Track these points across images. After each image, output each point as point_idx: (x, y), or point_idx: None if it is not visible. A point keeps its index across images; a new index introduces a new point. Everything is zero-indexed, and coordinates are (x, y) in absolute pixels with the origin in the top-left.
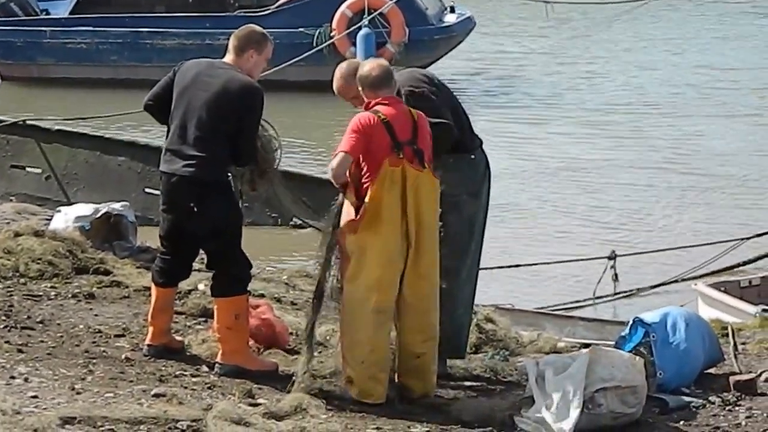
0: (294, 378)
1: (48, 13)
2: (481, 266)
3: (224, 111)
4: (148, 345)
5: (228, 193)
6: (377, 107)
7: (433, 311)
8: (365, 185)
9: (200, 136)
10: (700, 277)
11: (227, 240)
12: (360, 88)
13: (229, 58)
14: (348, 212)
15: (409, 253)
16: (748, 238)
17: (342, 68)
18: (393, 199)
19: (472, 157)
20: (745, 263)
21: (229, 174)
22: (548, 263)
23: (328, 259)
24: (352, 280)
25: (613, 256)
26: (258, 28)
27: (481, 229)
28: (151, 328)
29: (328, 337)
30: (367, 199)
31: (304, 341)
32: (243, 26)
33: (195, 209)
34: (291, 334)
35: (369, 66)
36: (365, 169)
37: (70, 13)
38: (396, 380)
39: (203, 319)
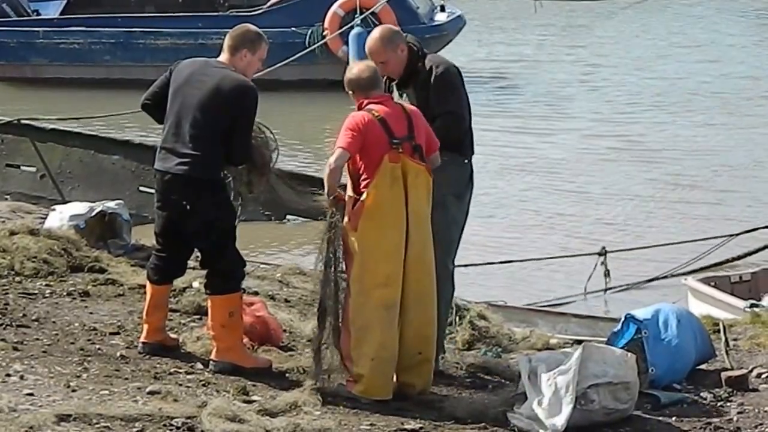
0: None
1: (39, 14)
2: (472, 262)
3: (217, 110)
4: (143, 342)
5: (221, 192)
6: (370, 105)
7: (435, 306)
8: (363, 183)
9: (194, 134)
10: (691, 272)
11: (220, 238)
12: (350, 91)
13: (223, 57)
14: (348, 205)
15: (412, 247)
16: (738, 234)
17: (383, 30)
18: (396, 194)
19: (465, 161)
20: (735, 259)
21: (225, 173)
22: (539, 259)
23: (327, 277)
24: (359, 278)
25: (603, 253)
26: (253, 27)
27: (460, 231)
28: (145, 326)
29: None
30: (366, 195)
31: (312, 359)
32: (238, 25)
33: (188, 207)
34: (285, 331)
35: (357, 69)
36: (362, 167)
37: (61, 14)
38: (394, 378)
39: (198, 316)
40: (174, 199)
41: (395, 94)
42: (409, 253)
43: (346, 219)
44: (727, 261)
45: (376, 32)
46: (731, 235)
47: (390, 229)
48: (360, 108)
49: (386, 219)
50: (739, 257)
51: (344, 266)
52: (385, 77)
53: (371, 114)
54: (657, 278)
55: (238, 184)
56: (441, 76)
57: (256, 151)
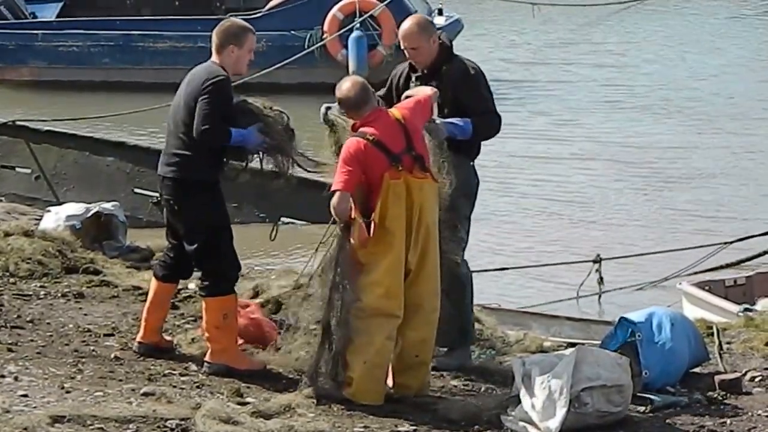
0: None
1: (35, 16)
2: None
3: (189, 105)
4: (139, 342)
5: (208, 193)
6: (363, 128)
7: (437, 311)
8: (370, 202)
9: (178, 136)
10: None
11: (208, 239)
12: (342, 111)
13: (213, 57)
14: (360, 232)
15: (420, 257)
16: (731, 243)
17: (420, 17)
18: (398, 211)
19: (471, 164)
20: (728, 265)
21: (215, 173)
22: (534, 266)
23: (332, 301)
24: (362, 288)
25: (598, 260)
26: (237, 21)
27: (468, 226)
28: (143, 324)
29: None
30: (374, 216)
31: (308, 374)
32: (221, 22)
33: (176, 207)
34: (279, 333)
35: (346, 87)
36: (367, 188)
37: (58, 16)
38: (391, 379)
39: (192, 318)
40: (166, 200)
41: (413, 88)
42: (416, 261)
43: (354, 239)
44: (721, 267)
45: (412, 18)
46: (725, 243)
47: (392, 244)
48: (354, 130)
49: (388, 234)
50: (732, 264)
51: (350, 275)
52: (405, 71)
53: (365, 138)
54: (651, 283)
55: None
56: (479, 77)
57: (272, 130)
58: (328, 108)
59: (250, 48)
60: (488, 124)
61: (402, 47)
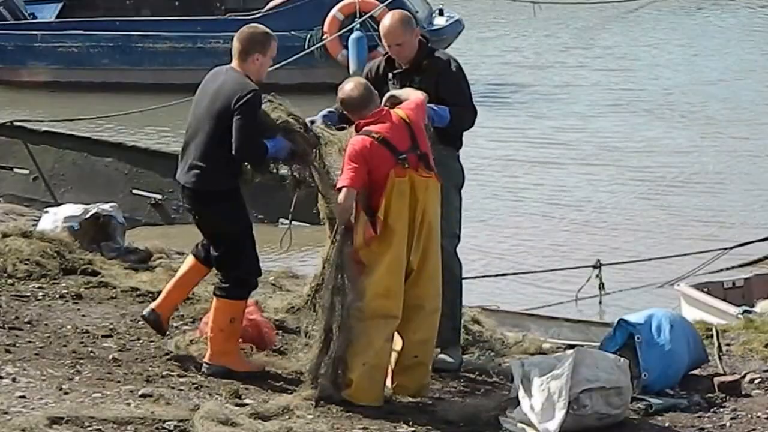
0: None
1: (34, 17)
2: (469, 274)
3: (217, 117)
4: (152, 309)
5: (229, 201)
6: (368, 127)
7: (438, 311)
8: (374, 199)
9: (200, 146)
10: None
11: (230, 245)
12: (345, 112)
13: (234, 63)
14: (365, 229)
15: (422, 256)
16: (731, 248)
17: (401, 13)
18: (402, 208)
19: (457, 154)
20: (728, 269)
21: (236, 181)
22: (534, 272)
23: (333, 305)
24: (362, 290)
25: (598, 265)
26: (260, 27)
27: (460, 216)
28: (164, 295)
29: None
30: (379, 213)
31: (309, 374)
32: (244, 28)
33: (197, 217)
34: (277, 333)
35: (348, 88)
36: (372, 186)
37: (57, 17)
38: (390, 380)
39: (191, 320)
40: (189, 209)
41: (390, 85)
42: (418, 261)
43: (359, 236)
44: (721, 270)
45: (393, 15)
46: (725, 249)
47: (393, 242)
48: (357, 129)
49: (390, 233)
50: (733, 268)
51: (352, 277)
52: (381, 67)
53: (371, 136)
54: (651, 286)
55: (290, 185)
56: (459, 71)
57: (296, 139)
58: (312, 122)
59: (272, 54)
60: (465, 116)
61: (385, 44)
